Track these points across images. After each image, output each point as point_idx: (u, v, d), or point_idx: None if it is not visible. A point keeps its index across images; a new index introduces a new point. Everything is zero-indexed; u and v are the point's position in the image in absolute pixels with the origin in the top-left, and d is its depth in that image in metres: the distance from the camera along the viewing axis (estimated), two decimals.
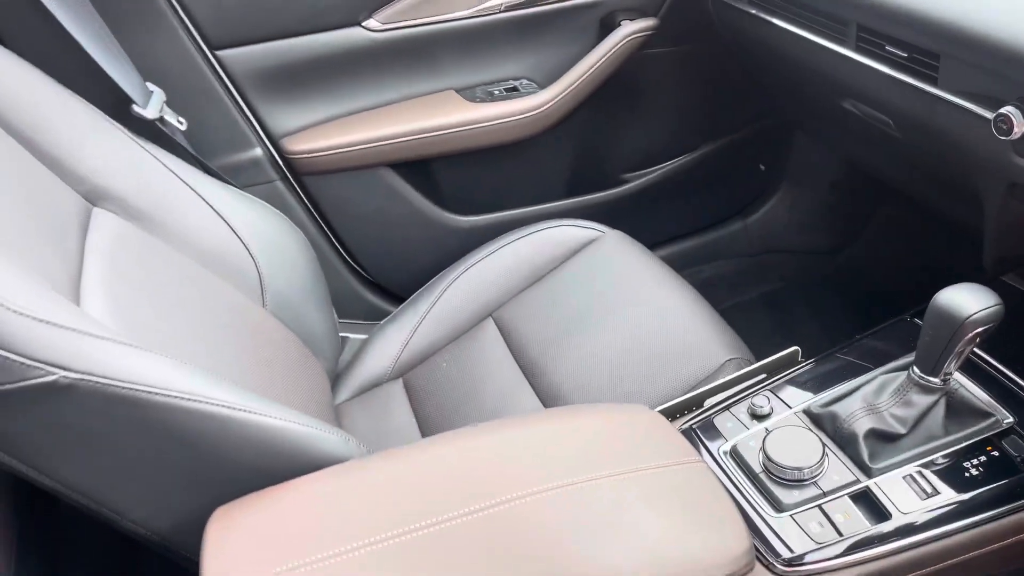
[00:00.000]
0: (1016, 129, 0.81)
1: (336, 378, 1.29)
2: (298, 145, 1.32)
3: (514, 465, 0.74)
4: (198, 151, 1.17)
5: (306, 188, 1.36)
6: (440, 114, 1.35)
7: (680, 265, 1.64)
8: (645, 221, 1.58)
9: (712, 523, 0.70)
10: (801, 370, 0.93)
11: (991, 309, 0.75)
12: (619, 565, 0.66)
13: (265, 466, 0.74)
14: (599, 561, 0.66)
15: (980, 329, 0.76)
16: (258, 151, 1.31)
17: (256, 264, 1.09)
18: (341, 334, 1.41)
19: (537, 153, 1.47)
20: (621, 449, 0.76)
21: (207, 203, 1.07)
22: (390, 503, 0.70)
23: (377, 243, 1.45)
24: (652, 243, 1.60)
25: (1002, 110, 0.82)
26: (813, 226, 1.71)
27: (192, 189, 1.06)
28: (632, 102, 1.50)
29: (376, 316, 1.43)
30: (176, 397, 0.70)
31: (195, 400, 0.71)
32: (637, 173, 1.59)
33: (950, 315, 0.76)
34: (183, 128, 1.13)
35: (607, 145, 1.54)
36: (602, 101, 1.44)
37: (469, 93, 1.39)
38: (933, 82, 0.91)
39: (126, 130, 1.02)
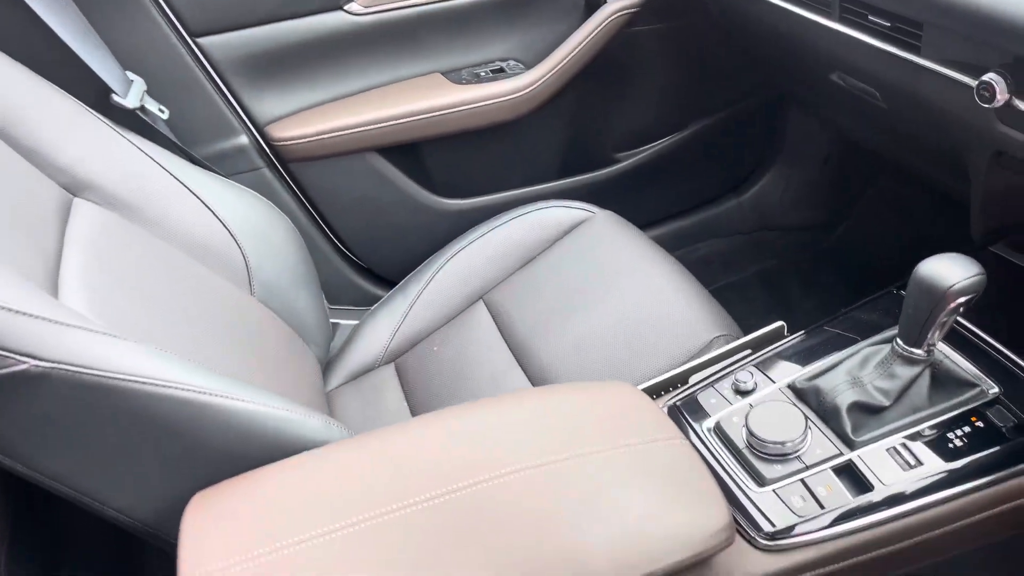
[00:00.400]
0: (998, 96, 0.80)
1: (327, 364, 1.29)
2: (283, 132, 1.31)
3: (494, 445, 0.74)
4: (181, 140, 1.17)
5: (293, 175, 1.36)
6: (426, 97, 1.34)
7: (675, 244, 1.64)
8: (638, 201, 1.57)
9: (692, 500, 0.70)
10: (786, 345, 0.92)
11: (974, 279, 0.74)
12: (598, 543, 0.66)
13: (244, 452, 0.74)
14: (578, 539, 0.66)
15: (963, 299, 0.75)
16: (243, 139, 1.30)
17: (243, 252, 1.09)
18: (332, 320, 1.41)
19: (526, 134, 1.46)
20: (602, 427, 0.76)
21: (191, 192, 1.07)
22: (368, 485, 0.70)
23: (367, 229, 1.44)
24: (646, 222, 1.59)
25: (984, 77, 0.80)
26: (807, 202, 1.69)
27: (175, 178, 1.06)
28: (621, 81, 1.48)
29: (367, 302, 1.43)
30: (150, 384, 0.70)
31: (170, 387, 0.71)
32: (628, 153, 1.58)
33: (932, 285, 0.75)
34: (165, 117, 1.13)
35: (597, 125, 1.52)
36: (590, 80, 1.43)
37: (455, 75, 1.38)
38: (916, 51, 0.90)
39: (107, 120, 1.02)
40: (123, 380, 0.68)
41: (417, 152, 1.41)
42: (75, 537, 0.98)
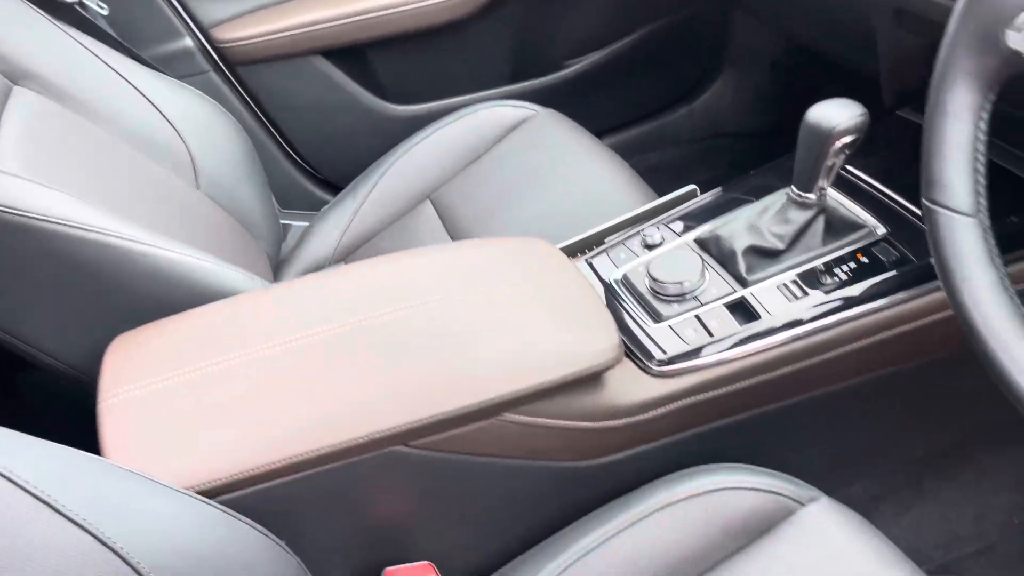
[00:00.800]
0: None
1: (279, 265, 1.33)
2: (229, 33, 1.34)
3: (404, 283, 0.79)
4: (124, 40, 1.19)
5: (241, 79, 1.38)
6: None
7: (627, 152, 1.66)
8: (588, 108, 1.59)
9: (583, 325, 0.75)
10: (695, 204, 0.96)
11: (856, 119, 0.78)
12: (493, 356, 0.71)
13: (167, 298, 0.79)
14: (474, 353, 0.71)
15: (847, 139, 0.79)
16: (187, 41, 1.33)
17: (188, 147, 1.12)
18: (284, 222, 1.45)
19: (474, 39, 1.48)
20: (509, 268, 0.81)
21: (133, 85, 1.10)
22: (284, 317, 0.75)
23: (316, 134, 1.47)
24: (598, 130, 1.61)
25: None
26: (757, 108, 1.72)
27: (116, 72, 1.09)
28: None
29: (319, 206, 1.46)
30: (77, 228, 0.74)
31: (96, 231, 0.75)
32: (577, 59, 1.60)
33: (818, 128, 0.79)
34: (104, 13, 1.15)
35: (544, 30, 1.54)
36: None
37: None
38: None
39: (44, 13, 1.05)
40: (49, 222, 0.73)
41: (365, 57, 1.44)
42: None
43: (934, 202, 0.54)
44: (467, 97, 1.52)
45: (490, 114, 1.34)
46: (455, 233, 1.22)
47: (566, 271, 0.82)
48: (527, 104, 1.33)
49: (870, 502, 0.98)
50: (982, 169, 0.53)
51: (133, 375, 0.70)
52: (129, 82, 1.10)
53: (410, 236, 1.27)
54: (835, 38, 1.24)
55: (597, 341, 0.73)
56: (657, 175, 1.62)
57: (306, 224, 1.39)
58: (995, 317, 0.50)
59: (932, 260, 0.55)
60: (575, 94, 1.61)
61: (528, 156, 1.27)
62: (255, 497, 0.63)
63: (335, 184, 1.51)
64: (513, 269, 0.81)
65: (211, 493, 0.62)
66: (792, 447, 0.87)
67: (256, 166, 1.24)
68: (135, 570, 0.42)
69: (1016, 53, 0.50)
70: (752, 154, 1.75)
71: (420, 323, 0.73)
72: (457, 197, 1.28)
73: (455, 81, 1.52)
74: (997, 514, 1.02)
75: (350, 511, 0.69)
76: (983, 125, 0.53)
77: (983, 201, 0.53)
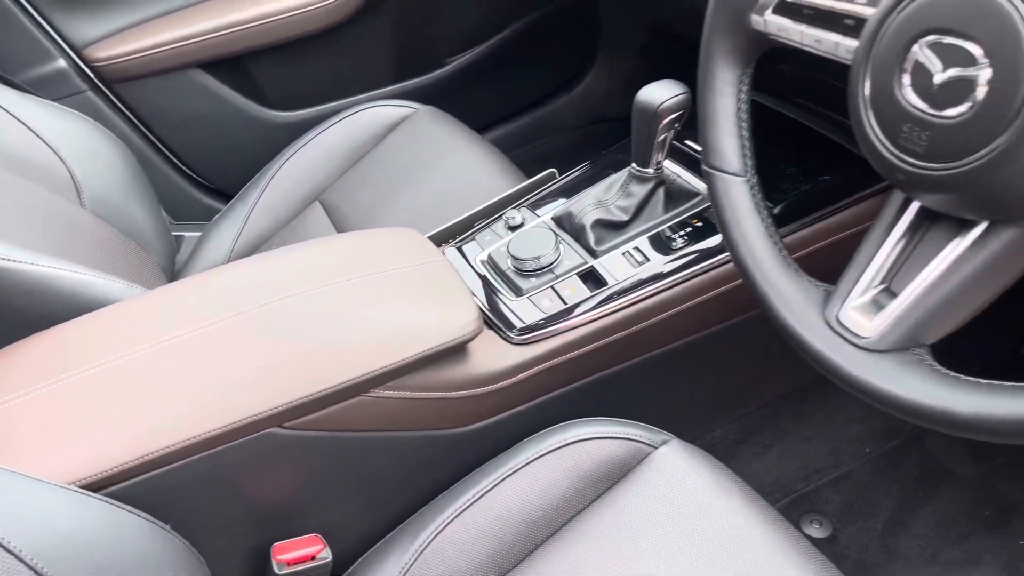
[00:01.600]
0: None
1: (175, 275, 1.35)
2: (103, 52, 1.35)
3: (277, 276, 0.83)
4: None
5: (121, 97, 1.40)
6: (243, 9, 1.39)
7: (513, 143, 1.74)
8: (472, 102, 1.65)
9: (445, 302, 0.82)
10: (554, 186, 1.04)
11: (678, 97, 0.86)
12: (363, 335, 0.77)
13: (47, 312, 0.82)
14: (345, 334, 0.77)
15: (673, 115, 0.87)
16: (60, 62, 1.34)
17: (68, 167, 1.14)
18: (177, 234, 1.47)
19: (352, 42, 1.53)
20: (377, 257, 0.87)
21: (5, 110, 1.11)
22: (160, 318, 0.79)
23: (202, 145, 1.50)
24: (483, 123, 1.69)
25: None
26: (632, 92, 1.80)
27: None
28: None
29: (211, 215, 1.49)
30: None
31: None
32: (457, 56, 1.66)
33: (646, 106, 0.88)
34: None
35: (421, 30, 1.60)
36: None
37: None
38: None
39: None
40: None
41: (244, 66, 1.47)
42: None
43: (711, 166, 0.62)
44: (349, 99, 1.57)
45: (371, 114, 1.39)
46: (343, 230, 1.27)
47: (430, 256, 0.88)
48: (407, 103, 1.39)
49: (732, 445, 1.08)
50: (747, 135, 0.61)
51: (12, 386, 0.73)
52: (1, 107, 1.11)
53: (301, 237, 1.31)
54: (688, 19, 1.33)
55: (458, 316, 0.80)
56: (544, 163, 1.70)
57: (199, 234, 1.42)
58: (763, 259, 0.59)
59: (714, 216, 0.63)
60: (457, 90, 1.67)
61: (408, 152, 1.33)
62: (138, 488, 0.67)
63: (225, 192, 1.54)
64: (380, 258, 0.87)
65: (94, 487, 0.66)
66: (651, 400, 0.95)
67: (142, 180, 1.26)
68: (18, 559, 0.46)
69: (761, 33, 0.58)
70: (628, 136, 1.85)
71: (290, 312, 0.78)
72: (344, 196, 1.33)
73: (337, 84, 1.56)
74: (850, 445, 1.13)
75: (234, 494, 0.74)
76: (744, 96, 0.61)
77: (750, 163, 0.61)
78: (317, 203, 1.35)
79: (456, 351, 0.80)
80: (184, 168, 1.52)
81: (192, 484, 0.71)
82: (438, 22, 1.61)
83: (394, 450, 0.81)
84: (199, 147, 1.50)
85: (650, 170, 0.92)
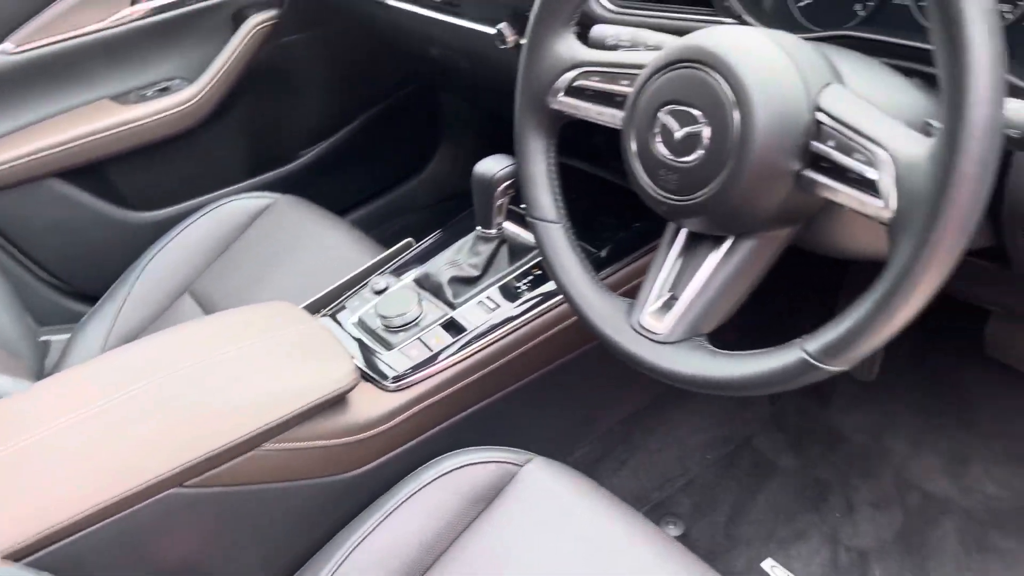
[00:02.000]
0: (509, 39, 1.09)
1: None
2: None
3: (166, 354, 0.91)
4: None
5: None
6: (97, 120, 1.46)
7: (371, 224, 1.87)
8: (330, 189, 1.77)
9: (323, 359, 0.92)
10: (413, 252, 1.17)
11: (508, 167, 1.03)
12: (247, 398, 0.85)
13: None
14: (235, 395, 0.85)
15: (505, 184, 1.03)
16: None
17: None
18: (44, 338, 1.48)
19: (209, 142, 1.62)
20: (255, 327, 0.96)
21: None
22: (54, 403, 0.85)
23: (66, 251, 1.53)
24: (342, 207, 1.81)
25: (498, 27, 1.10)
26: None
27: None
28: (285, 86, 1.69)
29: (79, 318, 1.51)
30: None
31: None
32: (309, 149, 1.79)
33: (483, 177, 1.03)
34: None
35: (274, 127, 1.72)
36: (256, 88, 1.62)
37: (123, 99, 1.52)
38: (459, 15, 1.19)
39: None
40: None
41: (103, 172, 1.53)
42: None
43: (533, 217, 0.77)
44: (210, 196, 1.65)
45: (233, 207, 1.48)
46: None
47: (305, 322, 0.98)
48: (266, 193, 1.49)
49: (593, 463, 1.22)
50: (558, 190, 0.77)
51: None
52: None
53: None
54: (509, 105, 1.53)
55: (335, 370, 0.90)
56: (400, 238, 1.83)
57: (68, 336, 1.44)
58: (578, 283, 0.74)
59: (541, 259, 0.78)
60: (314, 178, 1.79)
61: (272, 238, 1.43)
62: (53, 556, 0.72)
63: (92, 295, 1.57)
64: (259, 329, 0.96)
65: (14, 557, 0.70)
66: (518, 428, 1.08)
67: (5, 288, 1.29)
68: None
69: (558, 111, 0.75)
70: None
71: (181, 384, 0.86)
72: (213, 285, 1.40)
73: (196, 182, 1.64)
74: (694, 453, 1.29)
75: (142, 557, 0.79)
76: (552, 159, 0.77)
77: (563, 212, 0.77)
78: (187, 294, 1.41)
79: (337, 402, 0.90)
80: (47, 274, 1.54)
81: (102, 550, 0.76)
82: (287, 122, 1.74)
83: (289, 500, 0.89)
84: (62, 253, 1.53)
85: (493, 231, 1.07)
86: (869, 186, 0.54)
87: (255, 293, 1.32)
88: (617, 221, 1.13)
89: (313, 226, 1.42)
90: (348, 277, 1.15)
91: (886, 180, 0.53)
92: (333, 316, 1.09)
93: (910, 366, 1.36)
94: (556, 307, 1.04)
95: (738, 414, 1.33)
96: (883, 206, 0.53)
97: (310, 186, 1.75)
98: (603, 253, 1.09)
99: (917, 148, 0.52)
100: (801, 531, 1.19)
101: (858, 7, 0.80)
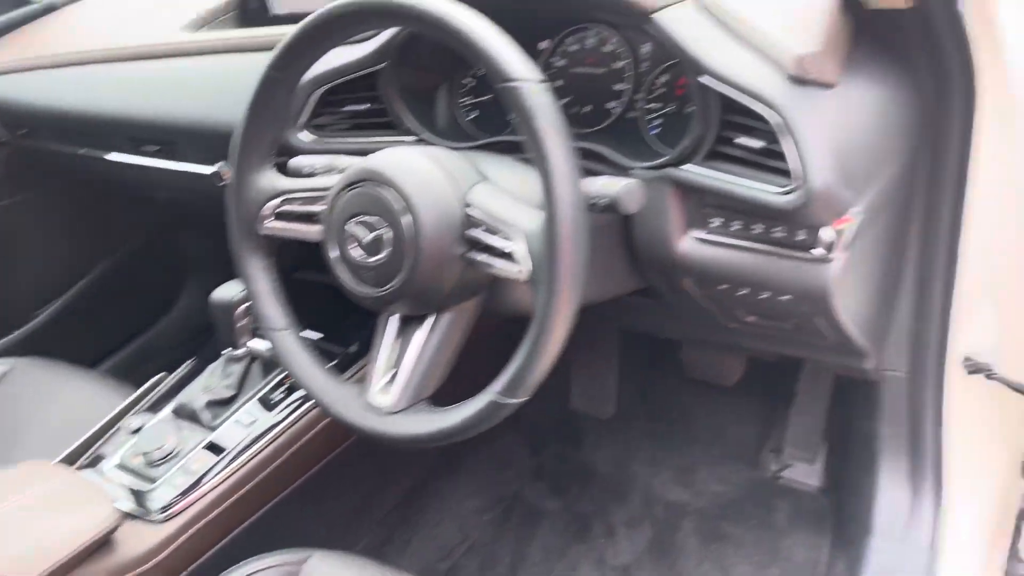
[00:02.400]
0: (226, 176, 1.19)
1: None
2: None
3: None
4: None
5: None
6: None
7: (127, 369, 1.84)
8: (73, 345, 1.73)
9: (76, 507, 0.93)
10: (167, 386, 1.21)
11: (240, 294, 1.11)
12: (17, 550, 0.85)
13: None
14: (4, 551, 0.84)
15: (242, 307, 1.11)
16: None
17: None
18: None
19: None
20: (9, 488, 0.95)
21: None
22: None
23: None
24: (95, 357, 1.78)
25: (215, 167, 1.21)
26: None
27: None
28: (8, 248, 1.65)
29: None
30: None
31: None
32: (46, 306, 1.74)
33: (221, 302, 1.11)
34: None
35: (4, 290, 1.67)
36: None
37: None
38: (176, 158, 1.28)
39: None
40: None
41: None
42: None
43: (265, 328, 0.87)
44: None
45: None
46: None
47: (58, 475, 0.99)
48: (2, 360, 1.44)
49: (379, 548, 1.29)
50: (283, 301, 0.88)
51: None
52: None
53: None
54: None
55: (95, 514, 0.92)
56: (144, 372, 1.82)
57: None
58: (314, 377, 0.84)
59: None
60: (56, 336, 1.74)
61: (17, 403, 1.38)
62: None
63: None
64: (9, 489, 0.95)
65: None
66: (299, 529, 1.14)
67: None
68: None
69: (267, 236, 0.87)
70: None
71: None
72: None
73: None
74: (470, 517, 1.41)
75: None
76: (273, 277, 0.88)
77: (291, 319, 0.88)
78: None
79: (102, 545, 0.91)
80: None
81: None
82: (13, 285, 1.69)
83: None
84: None
85: (240, 351, 1.15)
86: (510, 257, 0.71)
87: (6, 457, 1.27)
88: (360, 319, 1.25)
89: (60, 383, 1.39)
90: (101, 423, 1.15)
91: (520, 250, 0.70)
92: (91, 464, 1.09)
93: (638, 399, 1.59)
94: (308, 412, 1.12)
95: (503, 472, 1.48)
96: (519, 270, 0.70)
97: (53, 344, 1.71)
98: (351, 349, 1.20)
99: (536, 223, 0.70)
100: (574, 563, 1.34)
101: (511, 118, 1.01)
